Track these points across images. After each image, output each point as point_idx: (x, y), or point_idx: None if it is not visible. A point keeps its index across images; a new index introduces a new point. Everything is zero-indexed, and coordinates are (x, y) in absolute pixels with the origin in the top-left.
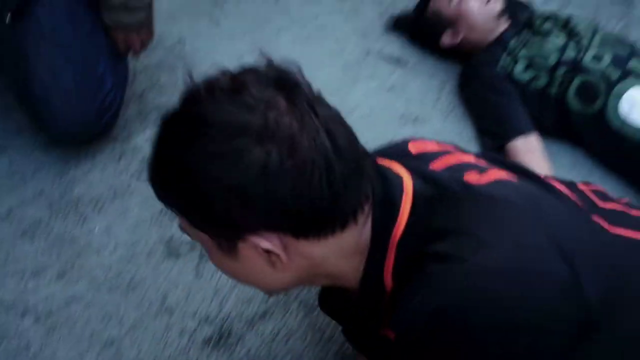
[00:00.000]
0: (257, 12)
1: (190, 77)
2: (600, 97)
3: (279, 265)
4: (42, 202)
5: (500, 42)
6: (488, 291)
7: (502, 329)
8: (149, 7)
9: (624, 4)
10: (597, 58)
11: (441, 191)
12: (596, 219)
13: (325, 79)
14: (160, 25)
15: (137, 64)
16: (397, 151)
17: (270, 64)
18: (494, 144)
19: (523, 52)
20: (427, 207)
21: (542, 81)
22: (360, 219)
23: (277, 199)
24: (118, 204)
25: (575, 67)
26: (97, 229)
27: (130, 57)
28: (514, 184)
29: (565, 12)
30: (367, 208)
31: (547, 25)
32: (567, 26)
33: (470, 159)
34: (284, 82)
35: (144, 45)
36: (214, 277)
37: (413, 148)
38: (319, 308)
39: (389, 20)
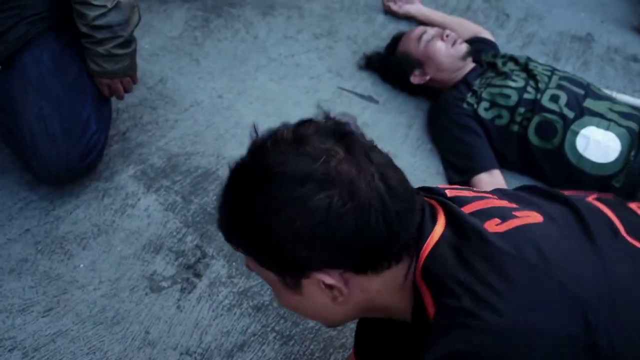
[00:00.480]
0: (235, 50)
1: (256, 130)
2: (558, 134)
3: (340, 299)
4: (29, 240)
5: (466, 81)
6: (493, 348)
7: None
8: (132, 55)
9: (583, 42)
10: (554, 99)
11: (461, 237)
12: None
13: (300, 116)
14: (142, 64)
15: (120, 103)
16: (435, 191)
17: (327, 116)
18: (459, 178)
19: (486, 92)
20: (447, 249)
21: (504, 119)
22: (411, 253)
23: (340, 239)
24: (102, 241)
25: (534, 107)
26: (82, 266)
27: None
28: (536, 230)
29: (527, 50)
30: (415, 247)
31: (509, 67)
32: (526, 68)
33: (501, 203)
34: (341, 133)
35: (127, 90)
36: (195, 311)
37: (449, 192)
38: (294, 338)
39: (361, 59)
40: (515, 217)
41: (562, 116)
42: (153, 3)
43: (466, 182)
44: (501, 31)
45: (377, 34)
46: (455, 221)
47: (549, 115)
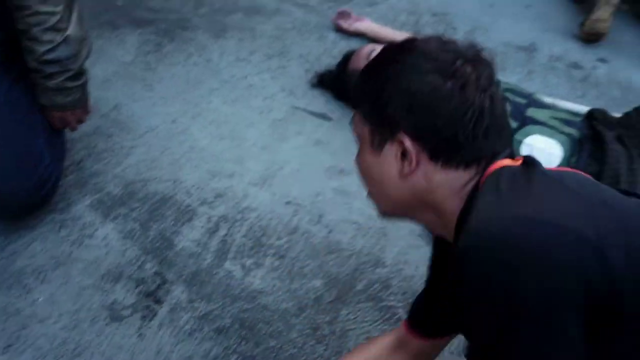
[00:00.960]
0: (188, 74)
1: None
2: None
3: (406, 172)
4: None
5: None
6: (512, 229)
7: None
8: (84, 87)
9: (527, 51)
10: None
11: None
12: None
13: (256, 137)
14: (95, 92)
15: (74, 132)
16: None
17: (471, 43)
18: None
19: None
20: (508, 170)
21: None
22: (479, 169)
23: (433, 117)
24: (60, 273)
25: None
26: (41, 299)
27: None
28: (579, 174)
29: None
30: (484, 166)
31: None
32: None
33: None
34: (477, 55)
35: (80, 121)
36: (156, 338)
37: None
38: (256, 359)
39: (313, 78)
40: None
41: None
42: (105, 29)
43: None
44: None
45: (328, 52)
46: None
47: None
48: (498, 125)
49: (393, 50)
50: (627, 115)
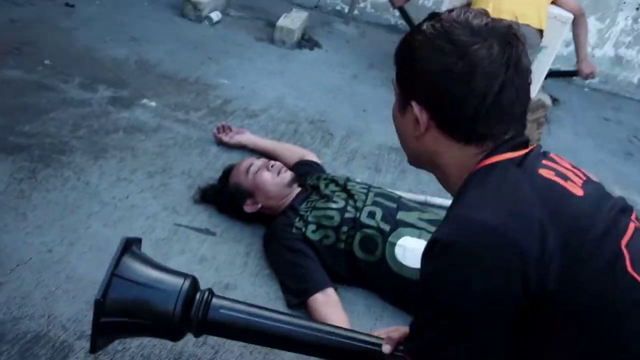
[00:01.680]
0: (66, 199)
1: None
2: (379, 247)
3: (417, 135)
4: None
5: (292, 207)
6: (467, 234)
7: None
8: None
9: (399, 152)
10: (371, 215)
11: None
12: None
13: None
14: None
15: None
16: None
17: (509, 24)
18: (296, 300)
19: (312, 215)
20: (496, 167)
21: (330, 239)
22: (477, 150)
23: (441, 94)
24: None
25: (355, 224)
26: None
27: None
28: (563, 193)
29: (352, 165)
30: (484, 150)
31: (330, 189)
32: (346, 188)
33: (574, 174)
34: (509, 37)
35: None
36: None
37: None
38: None
39: (196, 193)
40: (568, 180)
41: (380, 230)
42: None
43: (303, 304)
44: (327, 150)
45: (211, 166)
46: (524, 159)
47: (368, 231)
48: (501, 111)
49: (428, 21)
50: None
